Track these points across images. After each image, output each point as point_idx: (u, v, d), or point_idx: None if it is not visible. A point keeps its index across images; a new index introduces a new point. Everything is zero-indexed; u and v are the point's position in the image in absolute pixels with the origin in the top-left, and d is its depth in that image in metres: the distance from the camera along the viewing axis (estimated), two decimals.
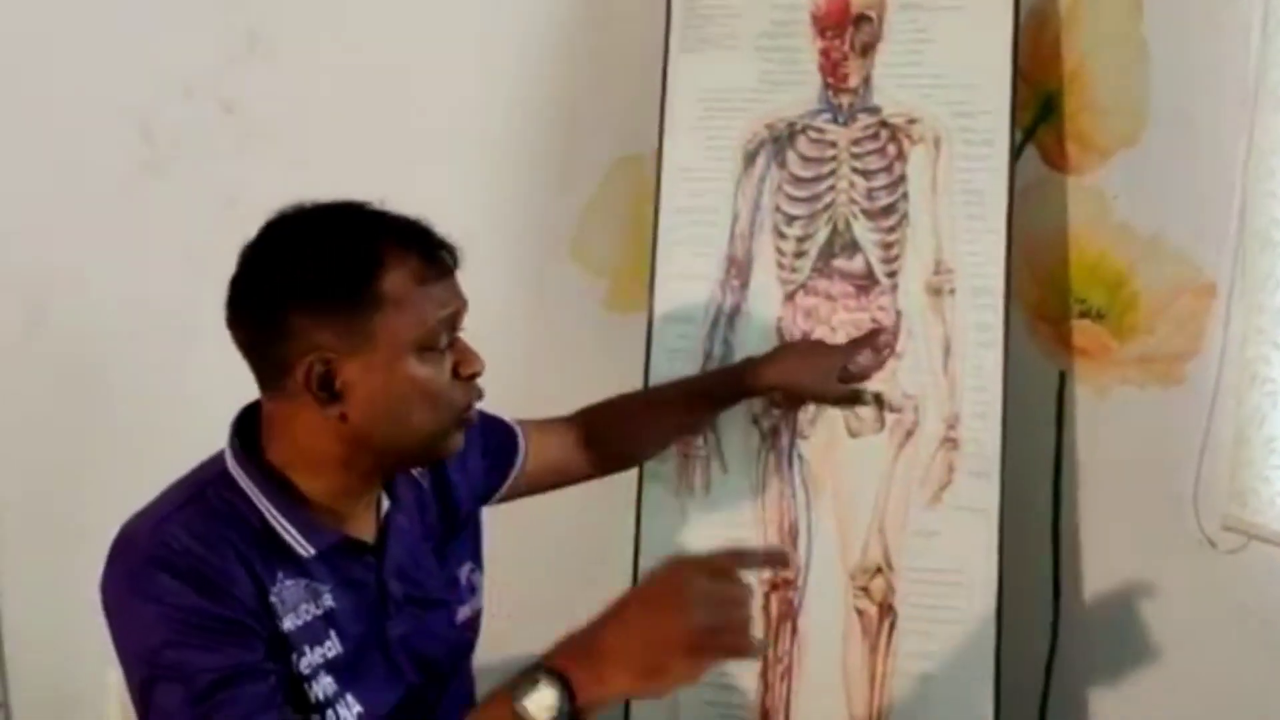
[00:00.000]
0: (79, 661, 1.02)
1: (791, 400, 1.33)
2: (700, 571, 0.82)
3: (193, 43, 1.43)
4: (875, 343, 1.31)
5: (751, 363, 1.30)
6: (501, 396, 1.52)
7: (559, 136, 1.53)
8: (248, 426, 0.97)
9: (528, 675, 0.80)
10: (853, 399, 1.31)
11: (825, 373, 1.28)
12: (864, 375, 1.30)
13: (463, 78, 1.48)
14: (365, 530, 1.00)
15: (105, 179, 1.45)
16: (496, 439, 1.17)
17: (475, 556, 1.12)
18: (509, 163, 1.53)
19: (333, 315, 0.91)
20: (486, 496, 1.16)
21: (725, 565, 0.83)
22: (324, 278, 0.92)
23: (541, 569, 1.51)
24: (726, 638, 0.80)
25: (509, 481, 1.18)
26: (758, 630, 1.32)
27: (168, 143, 1.45)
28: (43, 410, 1.48)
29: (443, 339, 0.95)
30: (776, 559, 1.19)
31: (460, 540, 1.10)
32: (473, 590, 1.09)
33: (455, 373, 0.96)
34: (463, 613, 1.07)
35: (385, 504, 1.02)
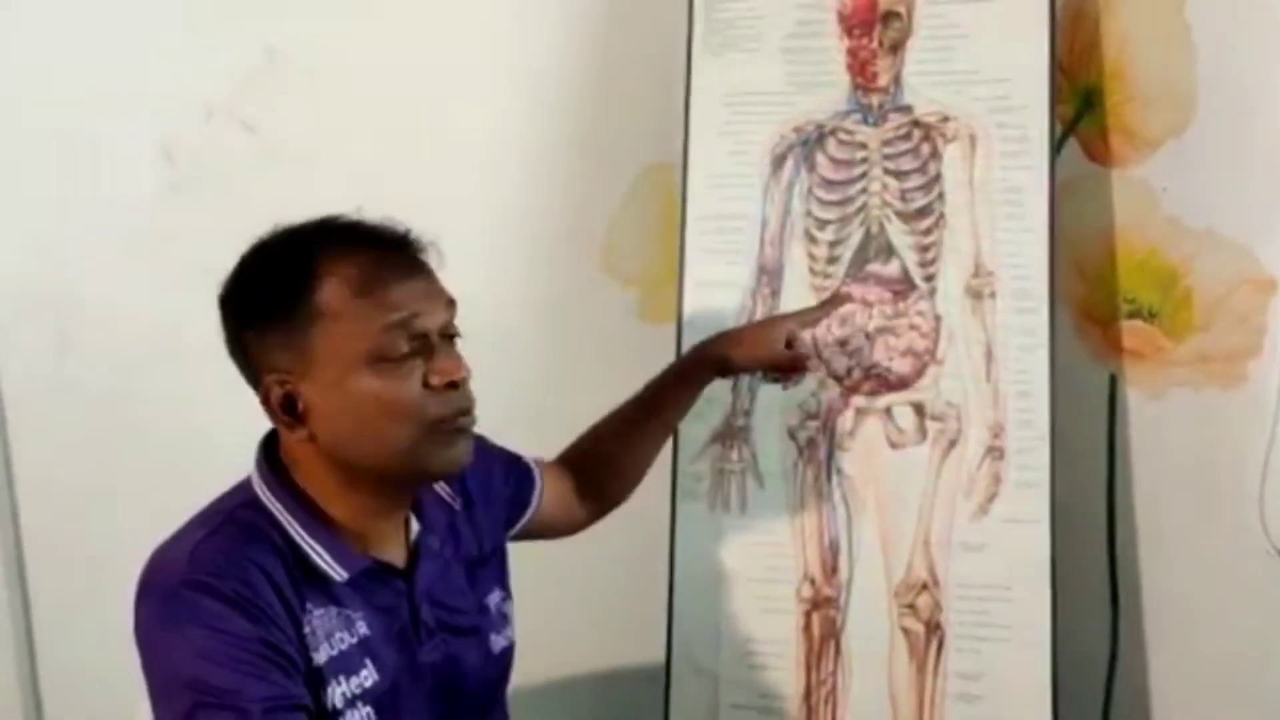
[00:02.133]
0: (111, 685, 1.01)
1: (740, 368, 1.24)
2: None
3: (212, 63, 1.43)
4: (829, 310, 1.28)
5: (701, 344, 1.24)
6: (532, 409, 1.51)
7: (584, 147, 1.51)
8: (274, 450, 0.95)
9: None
10: (794, 363, 1.21)
11: (771, 338, 1.20)
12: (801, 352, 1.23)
13: (485, 90, 1.47)
14: (395, 554, 0.96)
15: (130, 202, 1.45)
16: (516, 475, 1.13)
17: (504, 584, 1.07)
18: (534, 175, 1.50)
19: (276, 335, 0.89)
20: (506, 529, 1.12)
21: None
22: (260, 297, 0.90)
23: (574, 588, 1.47)
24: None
25: (523, 521, 1.13)
26: (799, 651, 1.27)
27: (190, 164, 1.45)
28: (72, 435, 1.48)
29: (398, 347, 0.88)
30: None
31: (488, 568, 1.06)
32: (505, 620, 1.05)
33: (427, 382, 0.89)
34: (497, 642, 1.03)
35: (415, 527, 0.98)
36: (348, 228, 0.91)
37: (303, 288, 0.87)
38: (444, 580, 0.99)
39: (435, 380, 0.89)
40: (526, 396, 1.50)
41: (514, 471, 1.13)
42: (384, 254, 0.89)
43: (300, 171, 1.44)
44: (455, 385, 0.90)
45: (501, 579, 1.07)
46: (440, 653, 0.97)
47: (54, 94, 1.42)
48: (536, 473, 1.15)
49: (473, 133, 1.48)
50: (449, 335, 0.93)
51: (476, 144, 1.48)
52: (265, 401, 0.90)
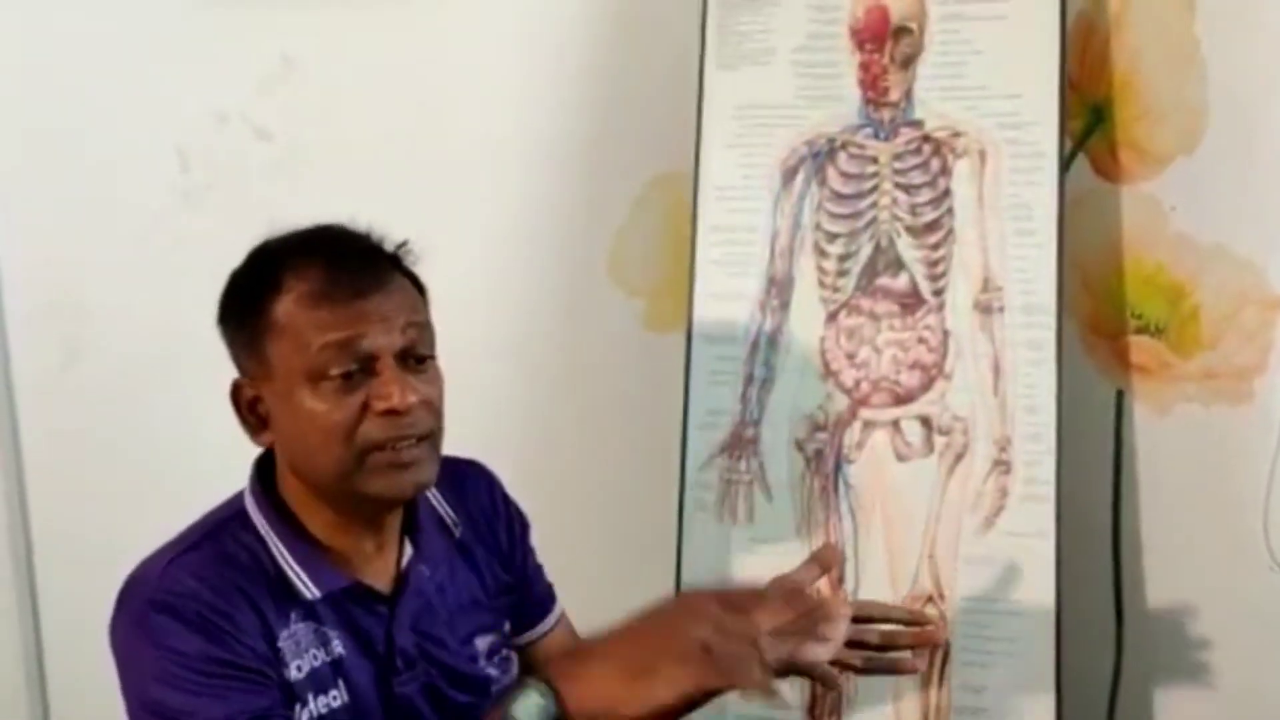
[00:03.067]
0: (118, 690, 1.02)
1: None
2: (713, 599, 0.79)
3: (227, 70, 1.44)
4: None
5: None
6: (537, 417, 1.52)
7: (593, 155, 1.51)
8: (269, 464, 0.95)
9: (518, 682, 0.79)
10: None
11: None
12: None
13: (496, 97, 1.47)
14: (381, 577, 0.95)
15: (144, 208, 1.46)
16: (539, 588, 1.10)
17: (502, 630, 1.03)
18: (543, 182, 1.51)
19: (240, 340, 0.91)
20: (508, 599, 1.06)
21: (742, 601, 0.79)
22: (229, 301, 0.92)
23: (579, 600, 1.48)
24: (726, 661, 0.76)
25: (522, 637, 1.08)
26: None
27: (204, 170, 1.46)
28: (80, 442, 1.48)
29: (336, 367, 0.86)
30: (826, 557, 0.95)
31: (485, 610, 1.02)
32: (497, 664, 1.01)
33: (369, 405, 0.87)
34: (486, 680, 0.99)
35: (409, 551, 0.97)
36: (322, 239, 0.91)
37: (263, 297, 0.89)
38: (431, 610, 0.97)
39: (376, 405, 0.87)
40: (531, 403, 1.51)
41: (540, 584, 1.10)
42: (342, 270, 0.88)
43: (313, 178, 1.44)
44: (396, 412, 0.87)
45: (499, 625, 1.03)
46: (418, 684, 0.95)
47: (70, 99, 1.42)
48: (558, 610, 1.11)
49: (483, 140, 1.48)
50: (414, 357, 0.90)
51: (486, 151, 1.48)
52: (234, 401, 0.92)
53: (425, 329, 0.92)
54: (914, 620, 1.01)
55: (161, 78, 1.43)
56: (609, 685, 0.76)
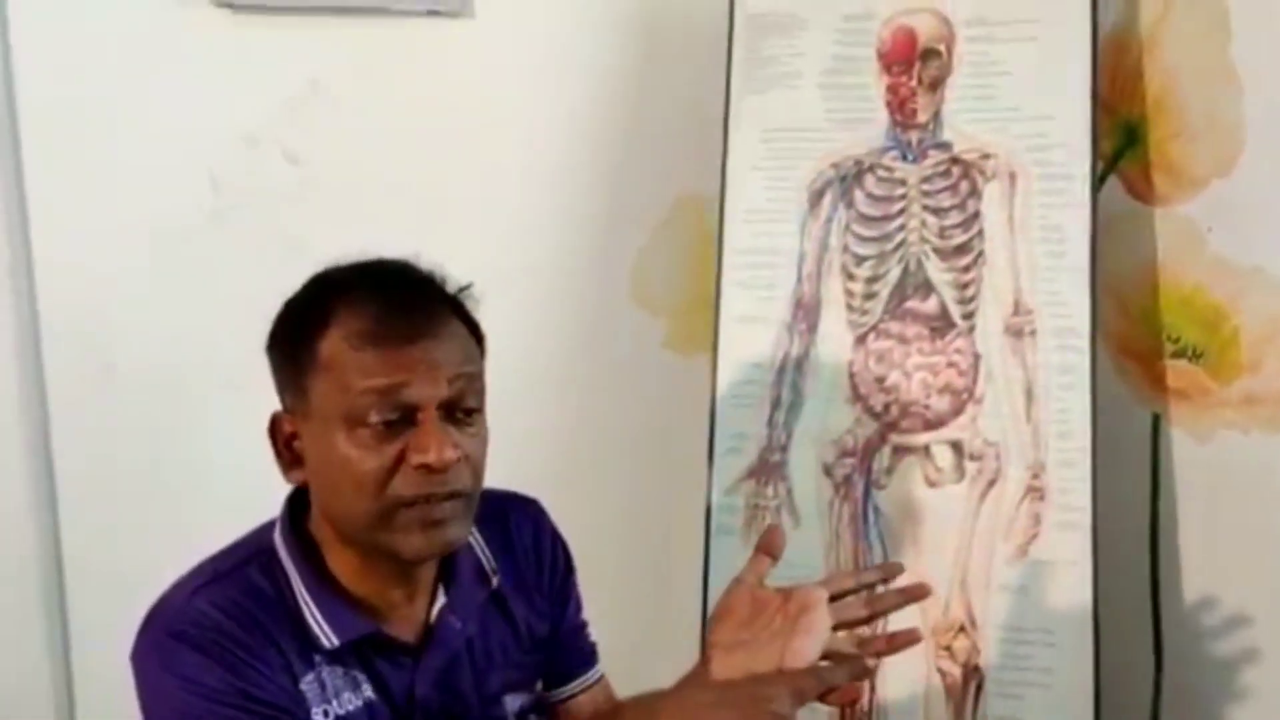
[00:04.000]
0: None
1: None
2: (786, 688, 0.78)
3: (256, 93, 1.45)
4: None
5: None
6: (560, 438, 1.52)
7: (618, 176, 1.51)
8: (301, 500, 0.92)
9: None
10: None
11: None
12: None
13: (522, 119, 1.48)
14: (409, 627, 0.91)
15: (174, 228, 1.47)
16: (579, 641, 1.05)
17: (528, 689, 0.99)
18: (567, 203, 1.51)
19: (284, 371, 0.88)
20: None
21: (809, 687, 0.79)
22: (279, 329, 0.89)
23: (606, 624, 1.46)
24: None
25: (556, 691, 1.04)
26: None
27: (234, 192, 1.47)
28: (112, 460, 1.49)
29: (376, 414, 0.82)
30: (770, 542, 0.92)
31: (519, 667, 0.98)
32: None
33: (405, 457, 0.82)
34: None
35: (441, 599, 0.92)
36: (380, 275, 0.87)
37: (311, 330, 0.85)
38: (459, 665, 0.93)
39: (412, 458, 0.83)
40: (553, 425, 1.51)
41: (579, 638, 1.05)
42: (395, 311, 0.84)
43: (340, 200, 1.45)
44: (432, 468, 0.83)
45: (529, 682, 0.99)
46: None
47: (103, 120, 1.44)
48: (597, 667, 1.06)
49: (509, 162, 1.49)
50: (460, 409, 0.85)
51: (512, 174, 1.49)
52: (272, 434, 0.89)
53: (475, 380, 0.87)
54: (887, 575, 0.96)
55: (193, 100, 1.44)
56: None
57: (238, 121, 1.45)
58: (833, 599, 0.89)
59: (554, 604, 1.02)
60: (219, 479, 1.45)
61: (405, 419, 0.83)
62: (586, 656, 1.06)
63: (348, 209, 1.43)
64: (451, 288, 0.90)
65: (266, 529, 0.92)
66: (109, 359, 1.48)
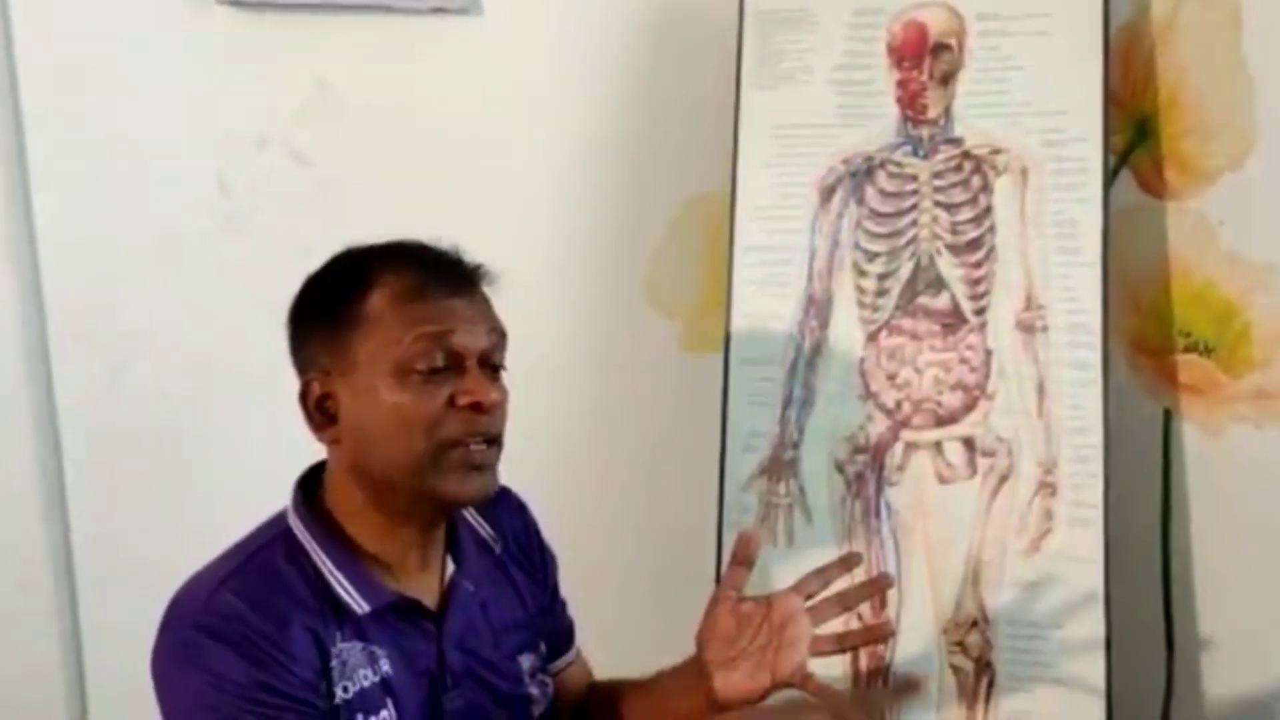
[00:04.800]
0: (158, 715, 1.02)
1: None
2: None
3: (265, 95, 1.45)
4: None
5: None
6: (573, 439, 1.52)
7: (629, 176, 1.51)
8: (315, 479, 0.95)
9: None
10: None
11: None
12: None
13: (532, 119, 1.47)
14: (427, 594, 0.95)
15: (183, 231, 1.46)
16: (564, 622, 1.10)
17: (538, 651, 1.04)
18: (578, 203, 1.51)
19: (323, 333, 0.91)
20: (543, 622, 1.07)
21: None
22: (316, 296, 0.93)
23: (617, 622, 1.47)
24: None
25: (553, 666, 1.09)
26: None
27: (243, 194, 1.47)
28: (122, 463, 1.49)
29: (425, 361, 0.88)
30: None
31: (523, 630, 1.02)
32: (538, 683, 1.02)
33: (453, 401, 0.88)
34: (528, 699, 1.00)
35: (451, 567, 0.97)
36: (410, 247, 0.93)
37: (354, 294, 0.90)
38: (476, 627, 0.97)
39: (461, 399, 0.88)
40: (567, 425, 1.51)
41: (562, 619, 1.10)
42: (435, 271, 0.91)
43: (350, 202, 1.45)
44: (480, 409, 0.89)
45: (537, 644, 1.04)
46: (465, 701, 0.94)
47: (111, 122, 1.44)
48: (576, 649, 1.11)
49: (518, 162, 1.48)
50: (491, 364, 0.92)
51: (521, 173, 1.48)
52: (303, 397, 0.92)
53: (504, 339, 0.94)
54: (847, 567, 1.03)
55: (199, 101, 1.44)
56: None
57: (245, 122, 1.44)
58: (806, 598, 0.99)
59: (549, 581, 1.08)
60: (229, 479, 1.45)
61: (450, 366, 0.89)
62: (569, 634, 1.12)
63: (356, 210, 1.42)
64: (470, 262, 0.95)
65: (279, 517, 0.94)
66: (118, 360, 1.47)
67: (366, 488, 0.91)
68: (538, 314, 1.49)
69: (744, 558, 1.00)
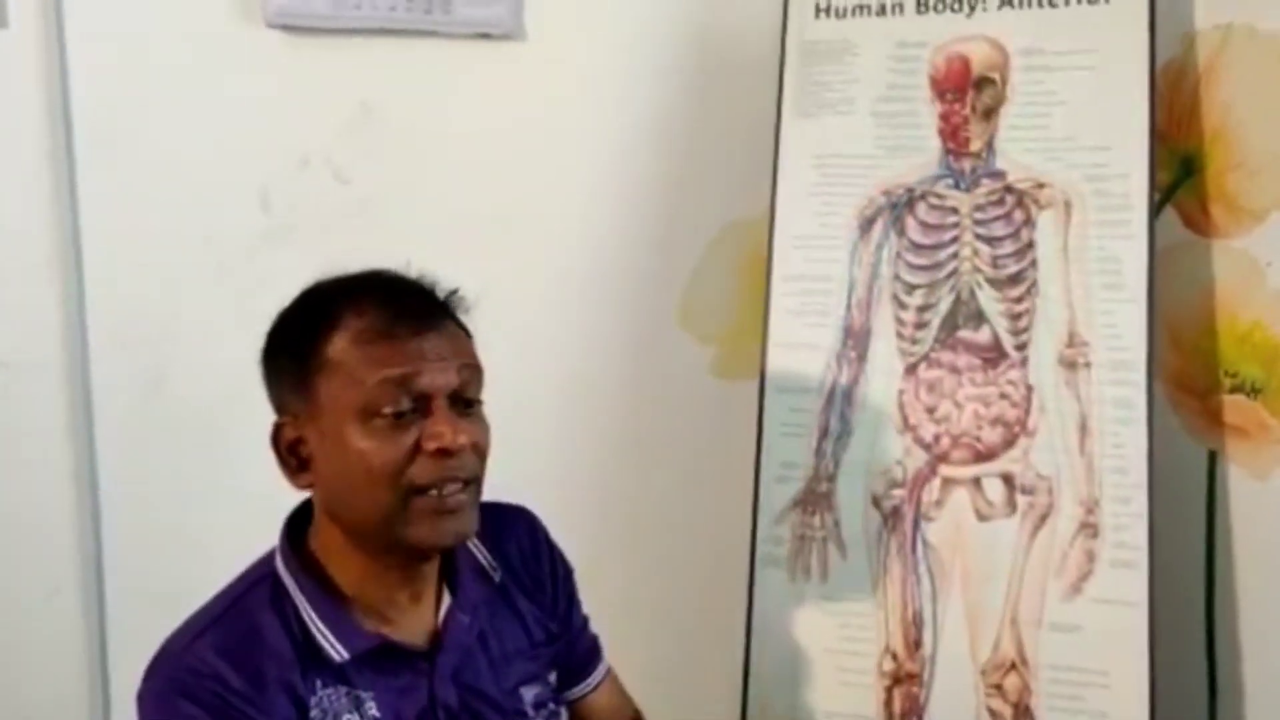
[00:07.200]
0: None
1: None
2: None
3: (307, 113, 1.46)
4: None
5: None
6: (605, 464, 1.50)
7: (667, 201, 1.51)
8: (299, 522, 0.93)
9: None
10: None
11: None
12: None
13: (572, 142, 1.48)
14: (420, 629, 0.92)
15: (225, 246, 1.47)
16: (584, 641, 1.06)
17: (546, 681, 1.00)
18: (616, 227, 1.51)
19: (290, 376, 0.89)
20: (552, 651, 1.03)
21: None
22: (282, 337, 0.91)
23: (649, 656, 1.44)
24: None
25: (568, 693, 1.05)
26: None
27: (285, 211, 1.47)
28: (160, 475, 1.49)
29: (390, 405, 0.84)
30: None
31: (530, 660, 0.98)
32: (546, 718, 0.98)
33: (420, 445, 0.85)
34: None
35: (447, 600, 0.93)
36: (379, 282, 0.90)
37: (317, 335, 0.87)
38: (473, 661, 0.93)
39: (428, 444, 0.85)
40: (599, 450, 1.49)
41: (585, 640, 1.06)
42: (401, 310, 0.87)
43: (390, 221, 1.46)
44: (448, 453, 0.85)
45: (544, 675, 1.00)
46: None
47: (157, 138, 1.45)
48: (604, 666, 1.08)
49: (557, 185, 1.48)
50: (464, 400, 0.88)
51: (560, 196, 1.48)
52: (275, 441, 0.90)
53: (477, 372, 0.90)
54: None
55: (245, 120, 1.45)
56: None
57: (289, 142, 1.46)
58: None
59: (560, 606, 1.03)
60: (262, 496, 1.44)
61: (417, 409, 0.86)
62: (593, 653, 1.08)
63: (397, 229, 1.43)
64: (441, 292, 0.92)
65: (269, 556, 0.92)
66: (157, 374, 1.47)
67: (346, 532, 0.89)
68: (572, 337, 1.49)
69: None
